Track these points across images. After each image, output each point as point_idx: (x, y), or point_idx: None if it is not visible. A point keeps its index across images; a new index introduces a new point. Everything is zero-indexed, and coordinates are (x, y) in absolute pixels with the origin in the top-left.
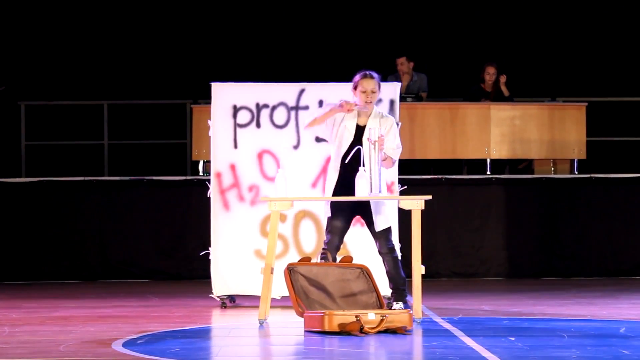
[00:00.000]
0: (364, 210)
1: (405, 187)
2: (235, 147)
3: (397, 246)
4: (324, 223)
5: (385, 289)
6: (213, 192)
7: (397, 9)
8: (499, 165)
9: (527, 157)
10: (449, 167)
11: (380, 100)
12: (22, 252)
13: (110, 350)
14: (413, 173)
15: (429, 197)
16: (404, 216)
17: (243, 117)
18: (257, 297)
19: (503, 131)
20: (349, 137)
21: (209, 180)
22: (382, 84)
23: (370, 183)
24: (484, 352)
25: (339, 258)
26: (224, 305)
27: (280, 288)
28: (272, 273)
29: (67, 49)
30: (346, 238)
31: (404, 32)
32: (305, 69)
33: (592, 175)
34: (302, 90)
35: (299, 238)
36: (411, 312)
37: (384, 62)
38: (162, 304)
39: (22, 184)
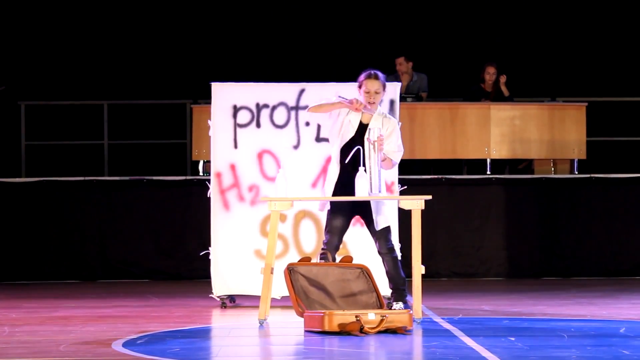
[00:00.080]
0: (363, 210)
1: (405, 187)
2: (235, 147)
3: (397, 246)
4: (323, 223)
5: (385, 289)
6: (213, 192)
7: (397, 9)
8: (499, 165)
9: (527, 157)
10: (449, 167)
11: (380, 100)
12: (22, 252)
13: (110, 350)
14: (413, 173)
15: (429, 197)
16: (404, 216)
17: (243, 117)
18: (257, 297)
19: (503, 131)
20: (351, 132)
21: (209, 180)
22: None
23: (370, 183)
24: (483, 352)
25: (338, 258)
26: (224, 305)
27: (280, 288)
28: (272, 273)
29: (67, 49)
30: (346, 238)
31: (404, 32)
32: (305, 69)
33: (592, 175)
34: (302, 90)
35: (299, 238)
36: (411, 312)
37: (384, 62)
38: (162, 304)
39: (22, 184)
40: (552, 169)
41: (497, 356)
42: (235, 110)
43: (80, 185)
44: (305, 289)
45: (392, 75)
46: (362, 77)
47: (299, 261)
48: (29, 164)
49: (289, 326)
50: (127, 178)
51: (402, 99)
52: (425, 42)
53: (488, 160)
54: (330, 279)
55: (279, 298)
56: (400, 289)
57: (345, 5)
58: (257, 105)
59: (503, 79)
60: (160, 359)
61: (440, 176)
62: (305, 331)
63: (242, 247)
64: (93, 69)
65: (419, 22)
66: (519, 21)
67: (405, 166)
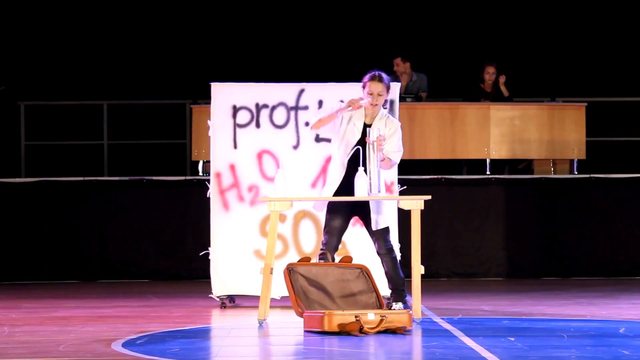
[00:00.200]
0: (362, 210)
1: (405, 187)
2: (235, 147)
3: (397, 247)
4: (323, 223)
5: (384, 289)
6: (213, 192)
7: (396, 9)
8: (498, 165)
9: (526, 157)
10: (448, 167)
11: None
12: (22, 252)
13: (109, 351)
14: (413, 173)
15: (429, 197)
16: (404, 216)
17: (243, 117)
18: (257, 297)
19: (503, 131)
20: (357, 135)
21: (208, 181)
22: None
23: (370, 183)
24: (483, 352)
25: (338, 258)
26: (223, 306)
27: (279, 288)
28: (271, 273)
29: (66, 49)
30: (345, 238)
31: (403, 32)
32: (305, 69)
33: (592, 175)
34: (302, 90)
35: (299, 238)
36: (411, 312)
37: (384, 62)
38: (161, 304)
39: (21, 184)
40: (552, 169)
41: (497, 356)
42: (235, 110)
43: (80, 185)
44: (304, 289)
45: (391, 75)
46: (366, 78)
47: (298, 261)
48: (29, 164)
49: (289, 326)
50: (126, 178)
51: (402, 99)
52: (425, 42)
53: (488, 161)
54: (329, 279)
55: (279, 298)
56: (400, 290)
57: (345, 5)
58: (257, 105)
59: (502, 79)
60: (160, 359)
61: (439, 176)
62: (305, 331)
63: (242, 247)
64: (93, 69)
65: (418, 22)
66: (519, 21)
67: (405, 166)
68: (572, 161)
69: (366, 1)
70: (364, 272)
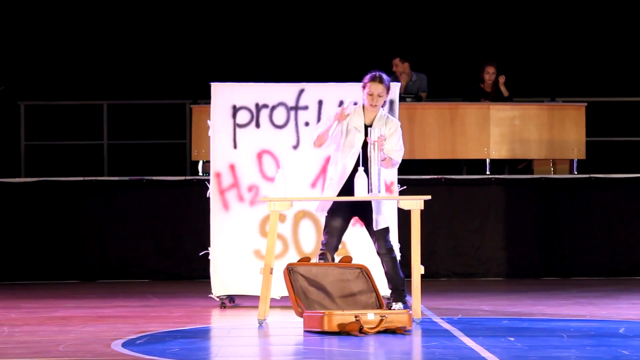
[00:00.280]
0: (362, 210)
1: (405, 187)
2: (235, 147)
3: (397, 247)
4: (323, 223)
5: (384, 289)
6: (212, 192)
7: (396, 9)
8: (498, 165)
9: (526, 157)
10: (448, 167)
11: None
12: (22, 252)
13: (109, 351)
14: (412, 173)
15: (429, 197)
16: (404, 216)
17: (242, 117)
18: (257, 297)
19: (502, 131)
20: (361, 138)
21: (208, 180)
22: None
23: (370, 183)
24: (483, 352)
25: (338, 258)
26: (223, 306)
27: (279, 288)
28: (271, 273)
29: (66, 49)
30: (345, 238)
31: (403, 32)
32: (305, 69)
33: (592, 175)
34: (302, 90)
35: (299, 238)
36: (410, 312)
37: (384, 62)
38: (161, 304)
39: (21, 184)
40: (552, 169)
41: (497, 356)
42: (235, 110)
43: (80, 185)
44: (304, 289)
45: (391, 75)
46: (366, 78)
47: (298, 261)
48: (29, 164)
49: (289, 326)
50: (126, 178)
51: (402, 99)
52: (425, 42)
53: (487, 161)
54: (329, 279)
55: (279, 298)
56: (400, 290)
57: (344, 5)
58: (257, 105)
59: (502, 79)
60: (160, 359)
61: (439, 176)
62: (305, 331)
63: (242, 247)
64: (93, 69)
65: (418, 22)
66: (518, 21)
67: (405, 166)
68: (572, 161)
69: (366, 1)
70: (364, 272)
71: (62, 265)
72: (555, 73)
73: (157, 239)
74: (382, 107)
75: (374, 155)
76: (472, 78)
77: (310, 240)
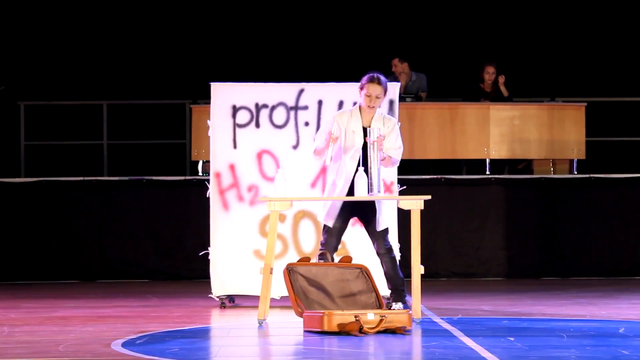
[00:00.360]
0: (362, 211)
1: (405, 187)
2: (235, 147)
3: (396, 247)
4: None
5: (384, 289)
6: (212, 192)
7: (396, 9)
8: (498, 165)
9: (526, 157)
10: (448, 167)
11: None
12: (21, 252)
13: (109, 351)
14: (412, 173)
15: (429, 197)
16: (404, 216)
17: (242, 117)
18: (257, 297)
19: (502, 131)
20: (360, 141)
21: (208, 180)
22: None
23: (371, 183)
24: (483, 352)
25: (338, 258)
26: (223, 306)
27: (279, 288)
28: (271, 273)
29: (66, 49)
30: (345, 238)
31: (403, 32)
32: (305, 69)
33: (592, 175)
34: (302, 90)
35: (298, 238)
36: (410, 312)
37: (383, 62)
38: (161, 304)
39: (21, 184)
40: (552, 169)
41: (497, 356)
42: (235, 110)
43: (80, 185)
44: (304, 289)
45: (390, 76)
46: (364, 80)
47: (298, 261)
48: (29, 164)
49: (288, 326)
50: (126, 178)
51: (401, 99)
52: (425, 42)
53: (487, 161)
54: (329, 279)
55: (278, 298)
56: (399, 289)
57: (344, 5)
58: (257, 105)
59: (502, 79)
60: (160, 359)
61: (439, 176)
62: (305, 331)
63: (242, 247)
64: (92, 69)
65: (418, 22)
66: (518, 21)
67: (405, 166)
68: (571, 161)
69: (366, 1)
70: (364, 272)
71: (62, 265)
72: (555, 73)
73: (157, 239)
74: (378, 107)
75: (373, 155)
76: (472, 78)
77: (310, 240)
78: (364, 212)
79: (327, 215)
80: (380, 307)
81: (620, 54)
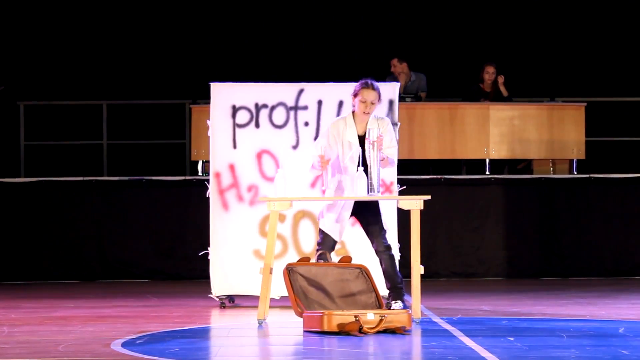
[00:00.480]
0: (360, 210)
1: (404, 187)
2: (235, 147)
3: (396, 246)
4: None
5: (384, 289)
6: (212, 192)
7: (396, 9)
8: (498, 165)
9: (526, 157)
10: (448, 167)
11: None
12: (21, 252)
13: (109, 351)
14: (412, 173)
15: (428, 197)
16: (403, 216)
17: (242, 117)
18: (256, 297)
19: (502, 131)
20: (357, 150)
21: (208, 180)
22: (381, 84)
23: (370, 183)
24: (483, 352)
25: (338, 258)
26: (223, 306)
27: (279, 288)
28: (271, 273)
29: (66, 49)
30: (345, 238)
31: (403, 32)
32: (305, 69)
33: (591, 175)
34: (301, 90)
35: (298, 238)
36: (410, 312)
37: (383, 62)
38: (161, 304)
39: (21, 184)
40: (551, 169)
41: (497, 356)
42: (234, 110)
43: (80, 185)
44: (304, 289)
45: (389, 76)
46: (358, 86)
47: (298, 261)
48: (28, 164)
49: (288, 326)
50: (126, 178)
51: (401, 99)
52: (425, 42)
53: (487, 161)
54: (329, 279)
55: (278, 298)
56: (398, 287)
57: (344, 5)
58: (256, 105)
59: (501, 79)
60: (160, 359)
61: (439, 176)
62: (304, 331)
63: (241, 247)
64: (92, 69)
65: (418, 22)
66: (518, 21)
67: (404, 166)
68: (571, 161)
69: (366, 1)
70: (364, 272)
71: (62, 265)
72: (555, 73)
73: (157, 239)
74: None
75: (373, 155)
76: (472, 78)
77: (310, 240)
78: (362, 212)
79: (332, 228)
80: (380, 307)
81: (620, 54)
